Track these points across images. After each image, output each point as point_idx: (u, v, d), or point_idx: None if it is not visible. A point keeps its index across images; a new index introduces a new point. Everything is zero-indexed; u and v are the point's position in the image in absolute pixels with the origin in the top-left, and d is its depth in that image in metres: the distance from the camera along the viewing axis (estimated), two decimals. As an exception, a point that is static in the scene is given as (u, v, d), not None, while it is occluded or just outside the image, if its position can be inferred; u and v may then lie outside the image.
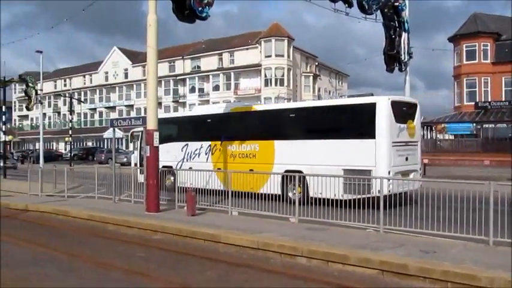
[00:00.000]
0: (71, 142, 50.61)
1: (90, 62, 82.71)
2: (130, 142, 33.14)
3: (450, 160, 37.30)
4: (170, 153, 19.56)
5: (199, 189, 14.01)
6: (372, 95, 16.29)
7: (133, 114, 65.90)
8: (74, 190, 20.19)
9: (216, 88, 60.76)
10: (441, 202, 9.70)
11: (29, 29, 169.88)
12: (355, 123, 15.49)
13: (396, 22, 21.74)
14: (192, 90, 63.00)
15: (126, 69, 72.34)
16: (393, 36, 21.75)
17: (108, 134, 65.80)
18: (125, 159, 42.26)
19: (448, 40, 47.09)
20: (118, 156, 35.52)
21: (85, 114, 77.61)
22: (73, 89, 74.03)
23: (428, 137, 44.64)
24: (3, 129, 33.35)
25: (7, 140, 34.13)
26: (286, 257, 8.91)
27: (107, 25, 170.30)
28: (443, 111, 51.41)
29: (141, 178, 16.15)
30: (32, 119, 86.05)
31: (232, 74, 59.39)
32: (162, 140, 15.65)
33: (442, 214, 9.53)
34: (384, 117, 14.58)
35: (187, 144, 20.12)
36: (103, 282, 7.59)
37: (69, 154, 51.75)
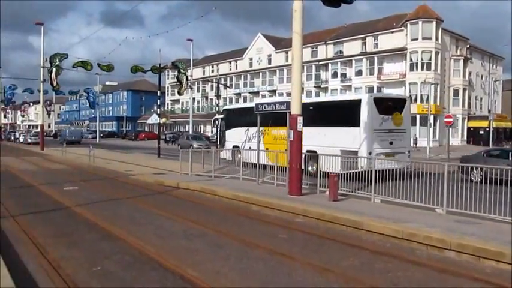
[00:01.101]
0: (217, 125, 53.17)
1: (236, 48, 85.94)
2: (213, 127, 35.09)
3: None
4: (239, 136, 25.77)
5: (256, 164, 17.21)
6: None
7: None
8: (220, 171, 21.21)
9: (359, 73, 59.63)
10: None
11: (182, 19, 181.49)
12: (348, 114, 19.63)
13: None
14: (334, 75, 62.51)
15: (269, 55, 73.98)
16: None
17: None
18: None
19: None
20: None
21: (230, 99, 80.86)
22: (220, 75, 77.51)
23: None
24: (158, 112, 35.98)
25: (161, 122, 36.76)
26: (433, 249, 8.50)
27: (253, 13, 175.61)
28: None
29: (223, 155, 24.95)
30: (182, 103, 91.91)
31: (375, 58, 57.76)
32: (232, 126, 24.15)
33: None
34: (365, 110, 18.86)
35: (248, 129, 25.11)
36: (247, 259, 7.88)
37: (215, 136, 54.46)
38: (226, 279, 6.93)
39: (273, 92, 71.42)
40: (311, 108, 21.80)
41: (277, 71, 71.05)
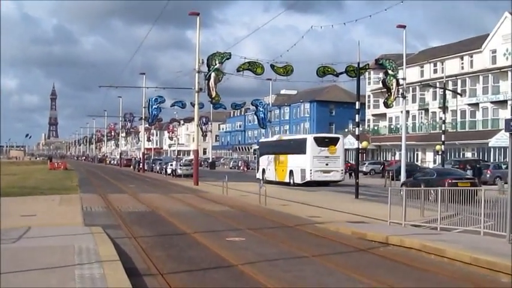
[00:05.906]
0: (442, 151, 51.94)
1: (471, 36, 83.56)
2: (254, 156, 60.50)
3: None
4: (265, 162, 56.56)
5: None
6: None
7: (533, 111, 63.82)
8: (449, 220, 20.73)
9: None
10: None
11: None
12: (302, 147, 49.22)
13: None
14: None
15: (524, 45, 70.55)
16: None
17: (495, 141, 65.12)
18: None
19: None
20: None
21: (462, 112, 78.25)
22: (446, 77, 74.82)
23: None
24: (356, 132, 35.99)
25: (360, 147, 36.88)
26: None
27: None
28: None
29: (257, 175, 58.46)
30: (390, 119, 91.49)
31: None
32: (261, 154, 58.99)
33: None
34: (308, 145, 48.60)
35: (268, 157, 55.64)
36: None
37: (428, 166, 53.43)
38: None
39: (531, 101, 67.82)
40: (291, 142, 51.69)
41: (538, 69, 67.48)
